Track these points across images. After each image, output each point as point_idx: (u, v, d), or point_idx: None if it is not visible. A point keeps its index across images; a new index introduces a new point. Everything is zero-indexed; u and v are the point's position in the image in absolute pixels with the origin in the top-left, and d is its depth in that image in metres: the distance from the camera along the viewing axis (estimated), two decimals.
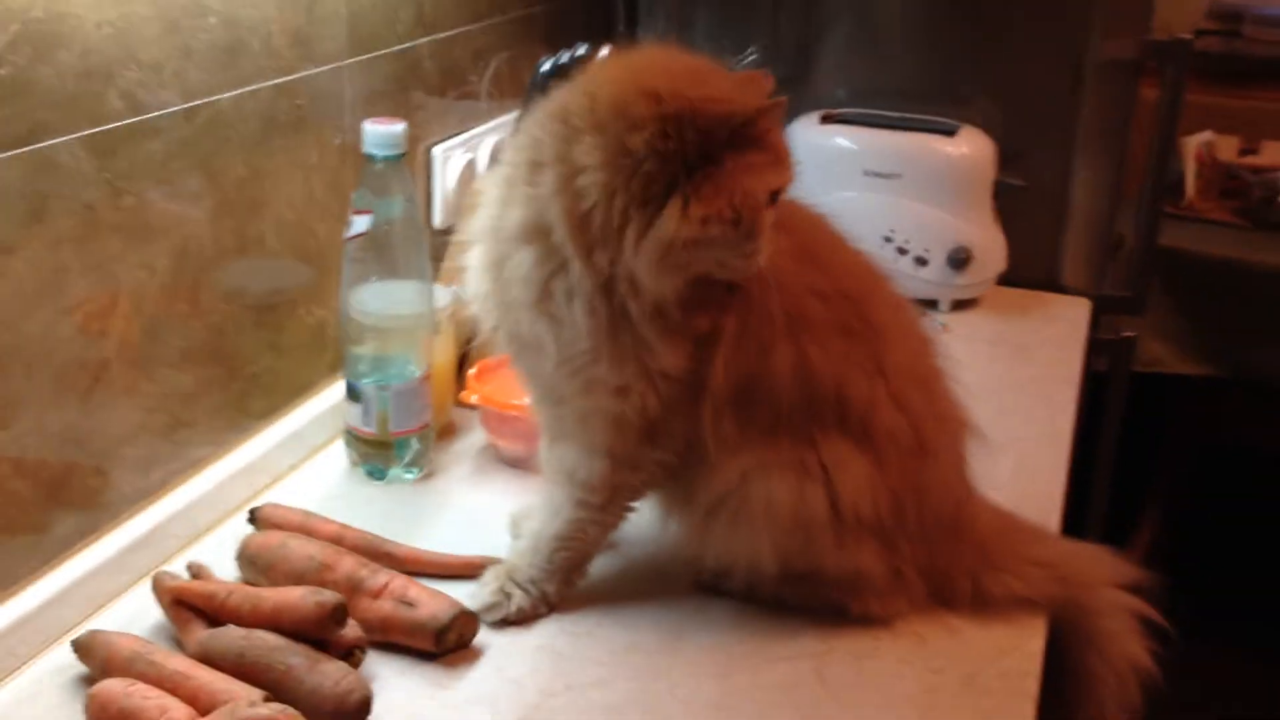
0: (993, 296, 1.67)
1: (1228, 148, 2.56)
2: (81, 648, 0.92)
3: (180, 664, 0.89)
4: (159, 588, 0.98)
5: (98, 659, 0.91)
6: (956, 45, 1.69)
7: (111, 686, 0.86)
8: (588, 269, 0.91)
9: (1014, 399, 1.42)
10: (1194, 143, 2.42)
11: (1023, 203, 1.67)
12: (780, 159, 0.91)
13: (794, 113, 1.72)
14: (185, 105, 1.04)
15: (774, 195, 0.91)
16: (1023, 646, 0.99)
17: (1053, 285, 1.72)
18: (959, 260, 1.60)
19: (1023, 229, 1.67)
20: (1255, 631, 2.57)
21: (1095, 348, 1.72)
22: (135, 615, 0.99)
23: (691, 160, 0.87)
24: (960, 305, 1.65)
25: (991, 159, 1.63)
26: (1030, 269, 1.70)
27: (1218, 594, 2.71)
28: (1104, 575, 1.05)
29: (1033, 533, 1.09)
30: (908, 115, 1.67)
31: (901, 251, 1.61)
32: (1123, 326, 1.79)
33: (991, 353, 1.54)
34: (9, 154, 0.89)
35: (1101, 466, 1.86)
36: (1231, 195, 2.45)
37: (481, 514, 1.16)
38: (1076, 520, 1.21)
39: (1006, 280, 1.67)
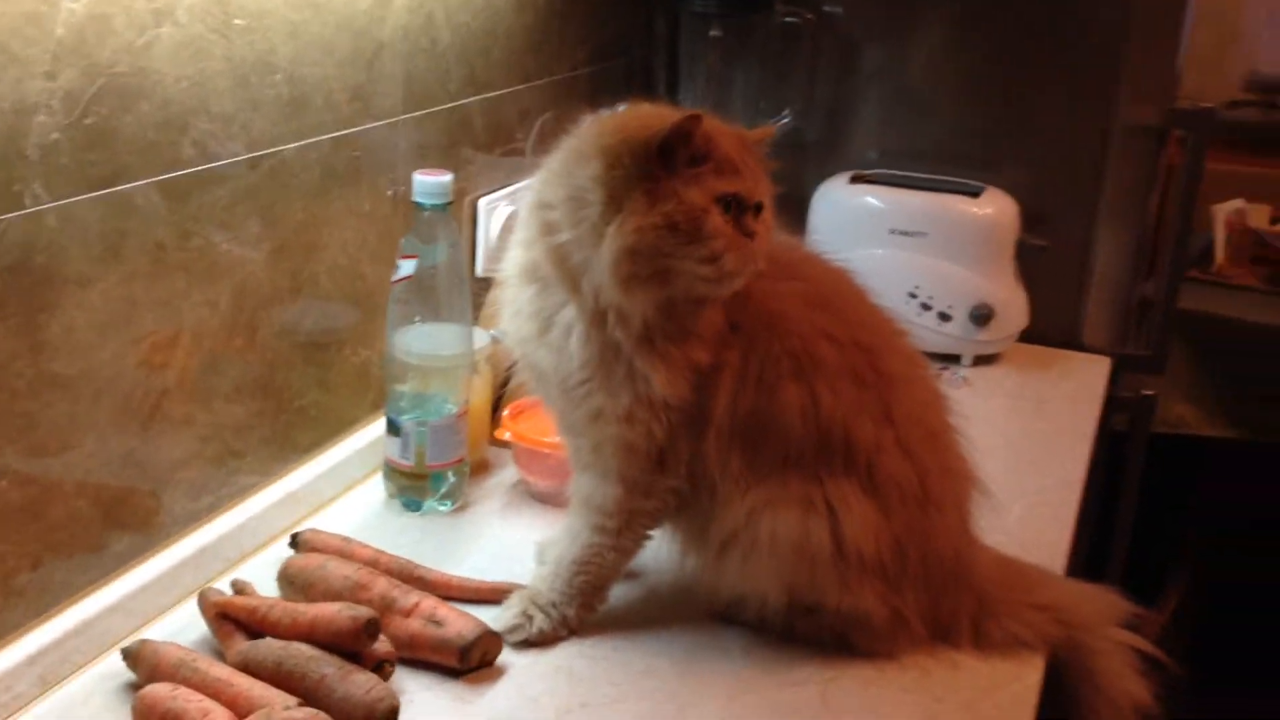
0: (1014, 352, 1.72)
1: (1259, 216, 2.60)
2: (131, 655, 0.98)
3: (221, 672, 0.95)
4: (204, 603, 1.04)
5: (146, 666, 0.97)
6: (984, 110, 1.75)
7: (158, 690, 0.92)
8: (577, 300, 1.00)
9: (1029, 451, 1.46)
10: (1225, 210, 2.46)
11: (1046, 263, 1.72)
12: (727, 168, 0.97)
13: (827, 173, 1.79)
14: (251, 155, 1.13)
15: (728, 201, 0.96)
16: (1022, 679, 1.03)
17: (1074, 344, 1.76)
18: (981, 317, 1.65)
19: (1046, 288, 1.73)
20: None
21: (1117, 406, 1.76)
22: (182, 628, 1.06)
23: (635, 181, 0.95)
24: (982, 360, 1.70)
25: (1015, 220, 1.69)
26: (1052, 327, 1.75)
27: (1242, 655, 2.69)
28: (1103, 615, 1.08)
29: (1035, 577, 1.12)
30: (934, 176, 1.73)
31: (925, 307, 1.66)
32: (1143, 386, 1.83)
33: (1011, 406, 1.59)
34: (94, 195, 0.97)
35: (1122, 523, 1.89)
36: (1261, 262, 2.49)
37: (511, 545, 1.22)
38: (1098, 577, 1.24)
39: (1029, 337, 1.72)
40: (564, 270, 1.00)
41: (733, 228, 0.96)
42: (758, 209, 0.99)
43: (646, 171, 0.95)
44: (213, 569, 1.13)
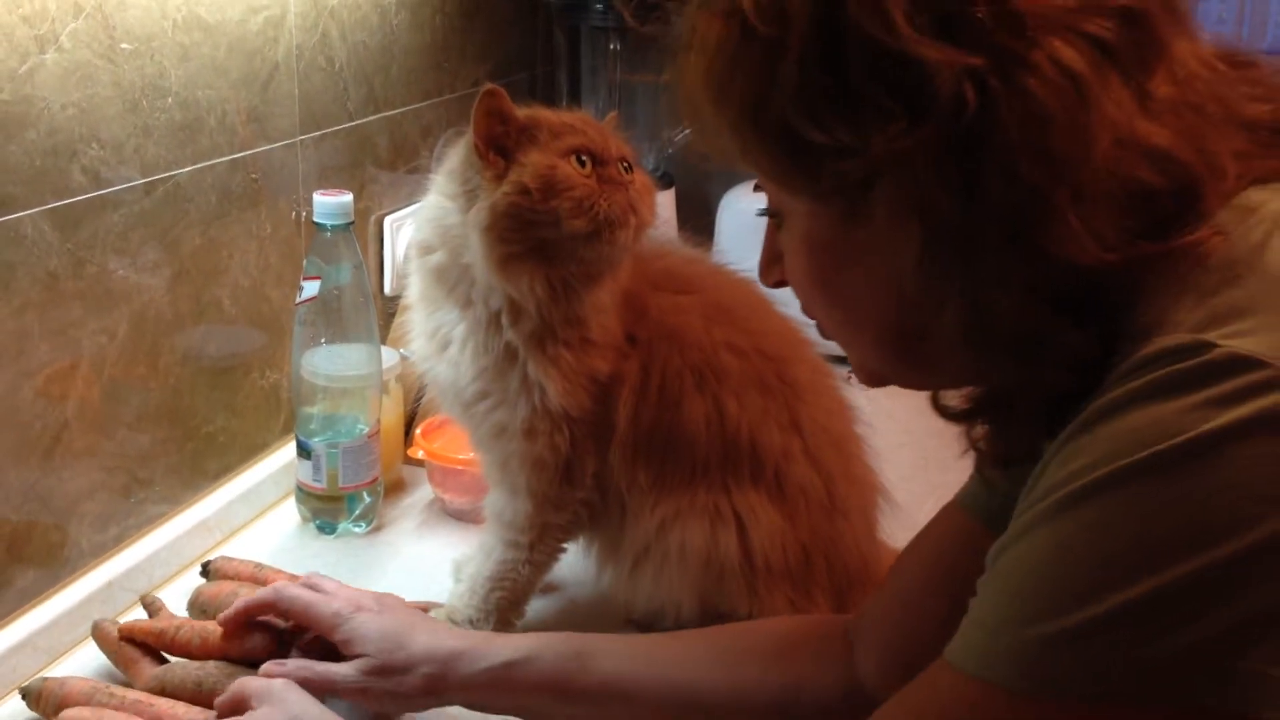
0: None
1: None
2: (31, 694, 0.94)
3: (139, 694, 0.92)
4: (100, 632, 1.01)
5: (51, 702, 0.93)
6: None
7: (80, 714, 0.89)
8: (469, 313, 1.01)
9: (938, 447, 1.48)
10: None
11: None
12: (563, 131, 0.98)
13: (732, 182, 1.81)
14: (145, 180, 1.11)
15: (580, 157, 0.96)
16: None
17: None
18: None
19: None
20: None
21: None
22: (89, 665, 1.03)
23: (478, 176, 0.97)
24: None
25: None
26: None
27: None
28: None
29: None
30: None
31: None
32: None
33: (919, 404, 1.59)
34: None
35: None
36: None
37: (428, 563, 1.21)
38: None
39: None
40: (447, 286, 1.02)
41: (596, 179, 0.96)
42: (624, 166, 0.99)
43: (483, 165, 0.97)
44: (123, 601, 1.11)
